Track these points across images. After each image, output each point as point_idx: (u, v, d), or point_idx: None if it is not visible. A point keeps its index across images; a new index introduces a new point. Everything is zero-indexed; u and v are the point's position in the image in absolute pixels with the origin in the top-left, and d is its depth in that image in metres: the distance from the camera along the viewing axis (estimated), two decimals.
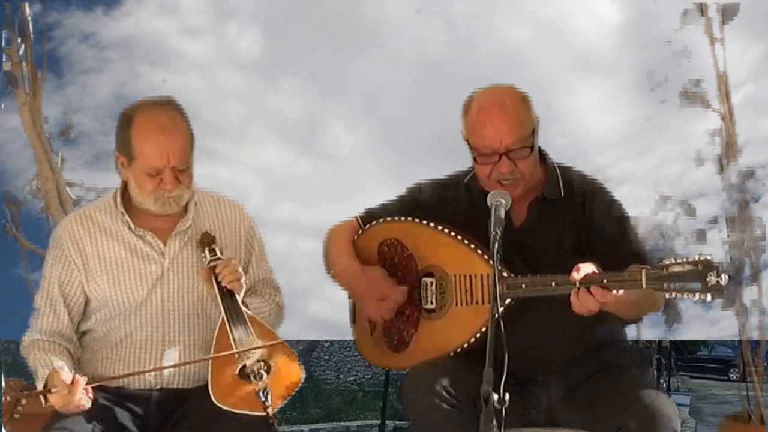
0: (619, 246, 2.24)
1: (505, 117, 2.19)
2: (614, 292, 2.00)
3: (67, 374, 2.06)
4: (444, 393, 2.11)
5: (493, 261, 1.90)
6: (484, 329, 2.19)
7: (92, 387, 2.09)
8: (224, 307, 2.20)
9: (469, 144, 2.26)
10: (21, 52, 3.96)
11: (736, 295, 4.12)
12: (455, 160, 2.41)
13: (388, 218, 2.43)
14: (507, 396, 1.69)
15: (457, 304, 2.29)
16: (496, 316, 1.81)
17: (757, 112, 4.59)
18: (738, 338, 4.40)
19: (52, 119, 4.10)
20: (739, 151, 4.23)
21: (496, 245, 1.94)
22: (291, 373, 2.18)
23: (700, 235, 4.34)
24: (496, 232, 1.98)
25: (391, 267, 2.40)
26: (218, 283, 2.22)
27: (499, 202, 2.08)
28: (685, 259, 1.96)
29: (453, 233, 2.31)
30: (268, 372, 2.14)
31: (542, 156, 2.34)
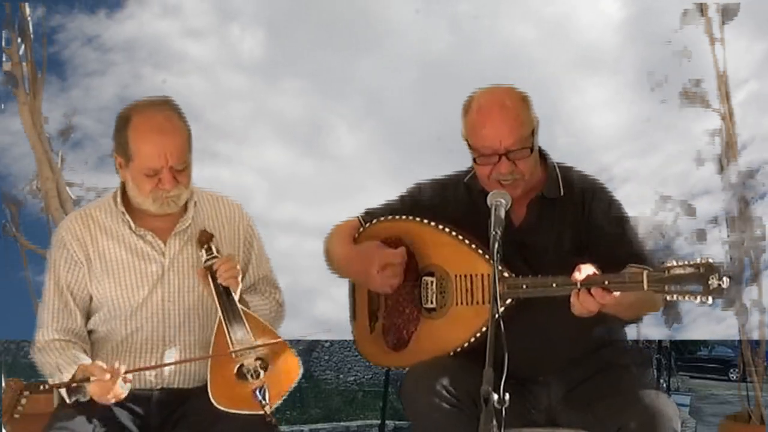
0: (618, 246, 2.24)
1: (505, 117, 2.18)
2: (614, 293, 2.00)
3: (102, 364, 2.06)
4: (444, 392, 2.11)
5: (493, 261, 1.90)
6: (484, 329, 2.19)
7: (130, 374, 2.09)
8: (221, 306, 2.20)
9: (468, 144, 2.26)
10: (21, 53, 3.96)
11: (736, 295, 4.11)
12: (456, 160, 2.41)
13: (389, 217, 2.43)
14: (507, 396, 1.68)
15: (457, 304, 2.29)
16: (496, 316, 1.81)
17: (762, 110, 4.59)
18: (738, 338, 4.40)
19: (56, 122, 4.11)
20: (743, 149, 4.23)
21: (496, 245, 1.94)
22: (289, 369, 2.18)
23: (700, 235, 4.34)
24: (496, 232, 1.98)
25: None
26: (215, 282, 2.22)
27: (499, 202, 2.08)
28: (686, 262, 1.95)
29: (454, 233, 2.31)
30: (265, 370, 2.14)
31: (542, 155, 2.34)
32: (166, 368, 2.19)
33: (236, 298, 2.22)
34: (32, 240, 4.09)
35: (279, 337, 2.23)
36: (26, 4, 3.99)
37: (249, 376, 2.13)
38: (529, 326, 2.12)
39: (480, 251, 2.26)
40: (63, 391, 2.10)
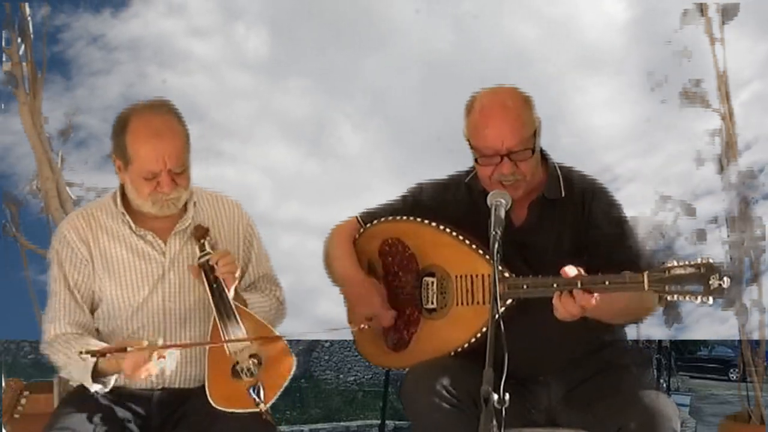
0: (617, 248, 2.24)
1: (508, 118, 2.18)
2: (595, 295, 2.00)
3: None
4: (444, 393, 2.11)
5: (493, 261, 1.90)
6: (484, 329, 2.19)
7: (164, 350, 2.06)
8: (214, 304, 2.20)
9: (470, 144, 2.26)
10: (21, 52, 3.96)
11: (737, 296, 4.11)
12: (457, 160, 2.41)
13: (390, 217, 2.43)
14: (507, 396, 1.68)
15: (458, 304, 2.29)
16: (497, 316, 1.81)
17: (765, 110, 4.59)
18: (738, 338, 4.40)
19: (58, 121, 4.11)
20: (746, 149, 4.23)
21: (496, 245, 1.94)
22: (282, 365, 2.17)
23: (701, 235, 4.34)
24: (496, 232, 1.97)
25: (392, 266, 2.40)
26: (208, 280, 2.22)
27: (499, 202, 2.08)
28: (687, 262, 1.95)
29: (454, 233, 2.31)
30: (260, 366, 2.14)
31: (543, 156, 2.34)
32: (167, 368, 2.19)
33: (231, 295, 2.21)
34: (32, 240, 4.09)
35: (274, 333, 2.23)
36: (26, 4, 3.99)
37: (243, 375, 2.14)
38: (529, 326, 2.12)
39: (480, 251, 2.26)
40: (88, 378, 2.08)
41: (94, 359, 2.06)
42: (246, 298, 2.31)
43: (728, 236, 4.23)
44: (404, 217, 2.40)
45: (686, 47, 4.27)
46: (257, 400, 2.10)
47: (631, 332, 2.62)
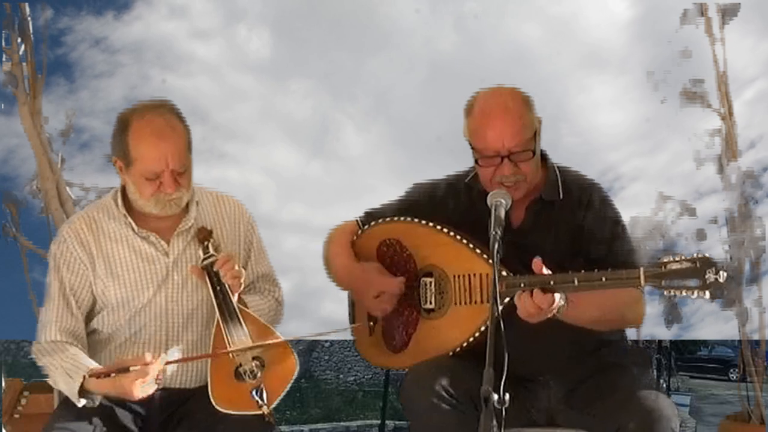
0: (611, 250, 2.24)
1: (508, 119, 2.18)
2: (556, 296, 2.01)
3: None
4: (443, 393, 2.11)
5: (493, 261, 1.90)
6: (483, 329, 2.19)
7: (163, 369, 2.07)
8: (218, 306, 2.20)
9: (470, 145, 2.26)
10: (21, 53, 3.97)
11: (737, 296, 4.11)
12: (459, 160, 2.41)
13: (388, 218, 2.43)
14: (507, 396, 1.68)
15: (456, 304, 2.29)
16: (496, 315, 1.81)
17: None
18: (738, 338, 4.40)
19: (59, 122, 4.11)
20: (750, 148, 4.23)
21: (496, 245, 1.93)
22: (285, 368, 2.18)
23: (701, 235, 4.34)
24: (496, 232, 1.97)
25: (390, 267, 2.40)
26: (212, 282, 2.22)
27: (499, 202, 2.08)
28: (683, 257, 1.95)
29: (452, 233, 2.31)
30: (262, 369, 2.14)
31: (543, 157, 2.34)
32: (168, 368, 2.19)
33: (235, 298, 2.22)
34: (32, 240, 4.09)
35: (278, 337, 2.23)
36: (26, 4, 4.00)
37: (246, 377, 2.14)
38: (528, 326, 2.12)
39: (478, 251, 2.25)
40: (75, 395, 2.08)
41: (79, 381, 2.07)
42: (247, 300, 2.31)
43: (728, 236, 4.23)
44: (402, 218, 2.40)
45: (686, 47, 4.27)
46: (260, 402, 2.10)
47: (631, 332, 2.62)
